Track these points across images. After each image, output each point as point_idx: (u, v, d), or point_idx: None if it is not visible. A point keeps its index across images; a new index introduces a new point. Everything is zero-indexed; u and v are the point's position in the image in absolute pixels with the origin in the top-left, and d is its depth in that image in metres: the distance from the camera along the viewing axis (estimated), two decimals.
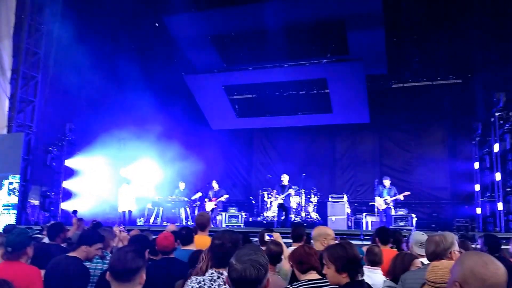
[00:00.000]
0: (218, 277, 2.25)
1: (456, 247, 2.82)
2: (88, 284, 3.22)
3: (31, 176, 11.21)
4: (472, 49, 10.80)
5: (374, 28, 10.77)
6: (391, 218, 10.21)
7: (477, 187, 11.55)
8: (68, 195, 12.36)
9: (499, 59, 10.18)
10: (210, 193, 11.34)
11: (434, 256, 2.73)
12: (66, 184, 12.30)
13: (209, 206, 11.17)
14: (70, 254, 3.36)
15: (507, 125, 10.02)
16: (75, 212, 10.88)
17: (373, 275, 3.35)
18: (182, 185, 11.83)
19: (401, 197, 10.05)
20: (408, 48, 11.75)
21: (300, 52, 12.02)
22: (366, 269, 3.27)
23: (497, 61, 10.30)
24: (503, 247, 4.67)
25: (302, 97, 13.48)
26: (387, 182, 10.28)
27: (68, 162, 12.29)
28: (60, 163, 12.12)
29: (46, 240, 4.82)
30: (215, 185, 11.37)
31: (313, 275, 2.79)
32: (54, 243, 4.53)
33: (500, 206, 9.98)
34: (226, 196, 11.27)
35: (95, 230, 4.03)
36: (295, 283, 2.77)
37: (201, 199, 11.87)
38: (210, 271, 2.29)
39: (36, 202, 11.94)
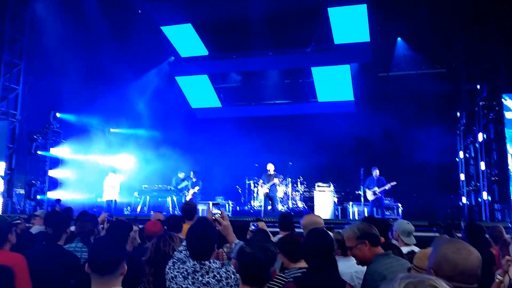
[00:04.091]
0: (201, 268, 2.26)
1: None
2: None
3: (16, 165, 11.16)
4: (457, 39, 10.76)
5: (358, 17, 10.71)
6: (383, 208, 10.27)
7: (462, 177, 11.56)
8: (54, 184, 12.29)
9: (483, 49, 10.12)
10: (189, 184, 11.59)
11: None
12: (52, 173, 12.23)
13: (188, 197, 11.39)
14: (59, 242, 3.38)
15: (491, 114, 9.98)
16: (58, 200, 10.88)
17: (346, 262, 3.34)
18: (181, 175, 11.93)
19: (387, 186, 10.06)
20: (392, 37, 11.70)
21: (284, 40, 11.96)
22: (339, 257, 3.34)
23: (481, 51, 10.24)
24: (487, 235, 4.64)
25: (287, 85, 13.48)
26: (375, 173, 10.28)
27: (53, 151, 12.20)
28: (45, 152, 12.05)
29: (35, 228, 4.77)
30: (192, 176, 11.60)
31: (303, 263, 2.79)
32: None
33: (485, 195, 10.00)
34: (198, 187, 11.50)
35: (60, 212, 4.04)
36: (286, 271, 2.75)
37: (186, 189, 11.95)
38: (192, 262, 2.29)
39: (22, 191, 11.90)
